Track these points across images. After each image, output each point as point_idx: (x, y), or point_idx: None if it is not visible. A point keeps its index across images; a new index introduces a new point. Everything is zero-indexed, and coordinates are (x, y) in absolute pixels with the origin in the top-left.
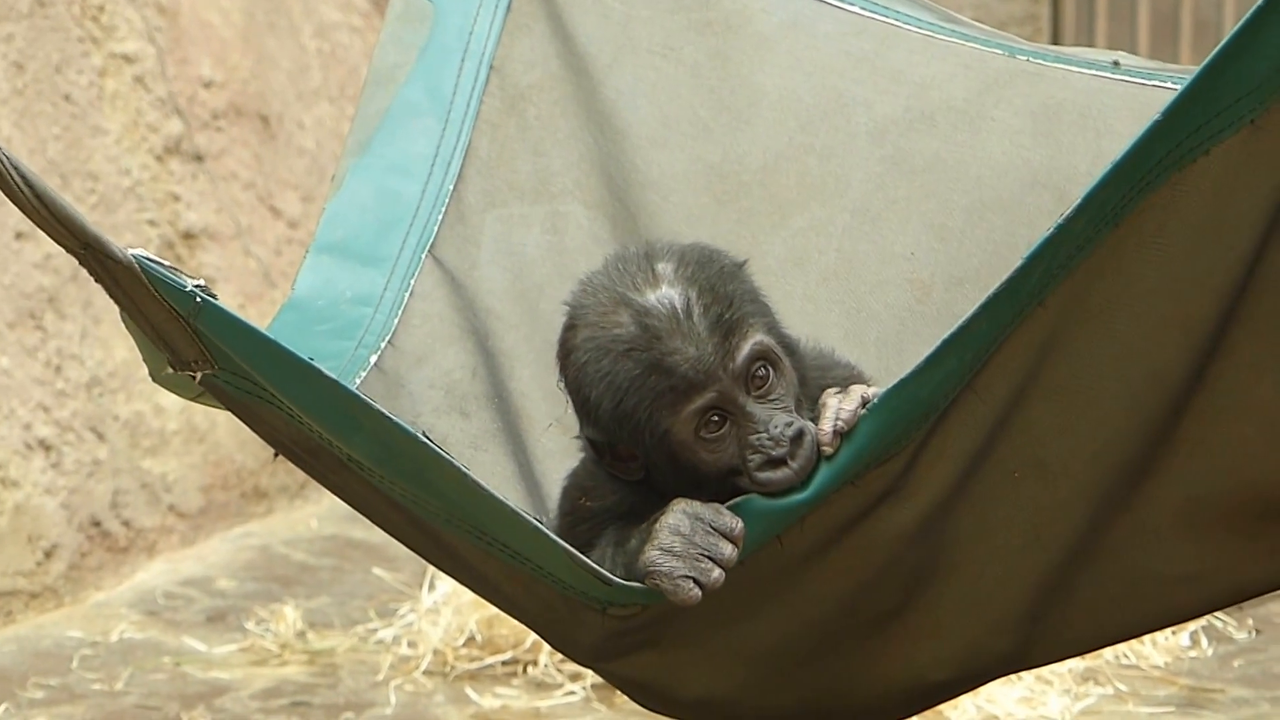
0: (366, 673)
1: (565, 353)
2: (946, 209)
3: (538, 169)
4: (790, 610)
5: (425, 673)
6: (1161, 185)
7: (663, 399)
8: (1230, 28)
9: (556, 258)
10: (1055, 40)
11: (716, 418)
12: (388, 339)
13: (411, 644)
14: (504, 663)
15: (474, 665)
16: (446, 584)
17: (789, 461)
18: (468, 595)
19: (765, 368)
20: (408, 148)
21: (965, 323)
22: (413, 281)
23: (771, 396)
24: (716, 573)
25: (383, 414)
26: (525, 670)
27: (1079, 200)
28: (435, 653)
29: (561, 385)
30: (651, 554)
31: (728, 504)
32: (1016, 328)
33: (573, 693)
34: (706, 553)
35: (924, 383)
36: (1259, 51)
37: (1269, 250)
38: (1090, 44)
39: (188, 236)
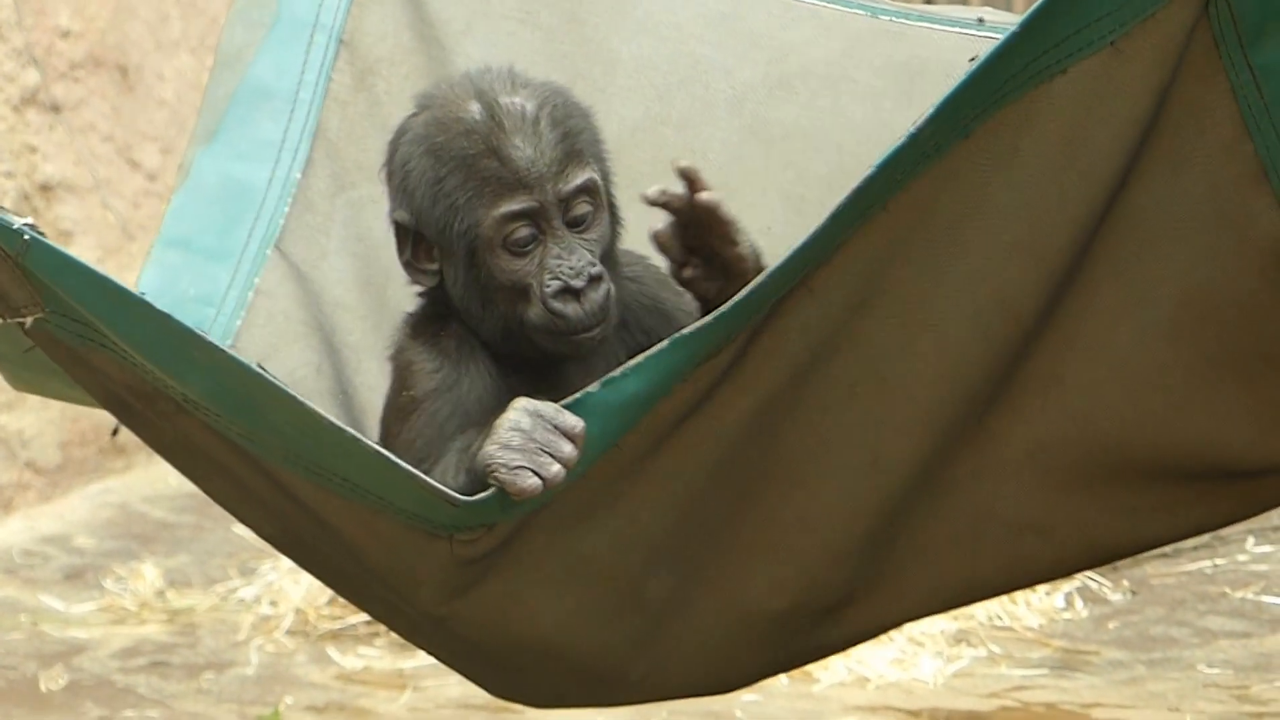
0: (227, 632)
1: (401, 132)
2: (805, 179)
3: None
4: (626, 520)
5: (287, 632)
6: (1018, 99)
7: (486, 187)
8: None
9: None
10: None
11: (527, 230)
12: (230, 341)
13: (273, 603)
14: (366, 622)
15: (336, 625)
16: None
17: (581, 299)
18: None
19: (589, 205)
20: (255, 133)
21: (813, 232)
22: (257, 279)
23: (586, 235)
24: (556, 467)
25: (217, 348)
26: (387, 630)
27: (932, 108)
28: (297, 612)
29: (384, 171)
30: (489, 448)
31: (566, 402)
32: (857, 230)
33: None
34: (546, 448)
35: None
36: None
37: (1130, 189)
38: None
39: (45, 189)
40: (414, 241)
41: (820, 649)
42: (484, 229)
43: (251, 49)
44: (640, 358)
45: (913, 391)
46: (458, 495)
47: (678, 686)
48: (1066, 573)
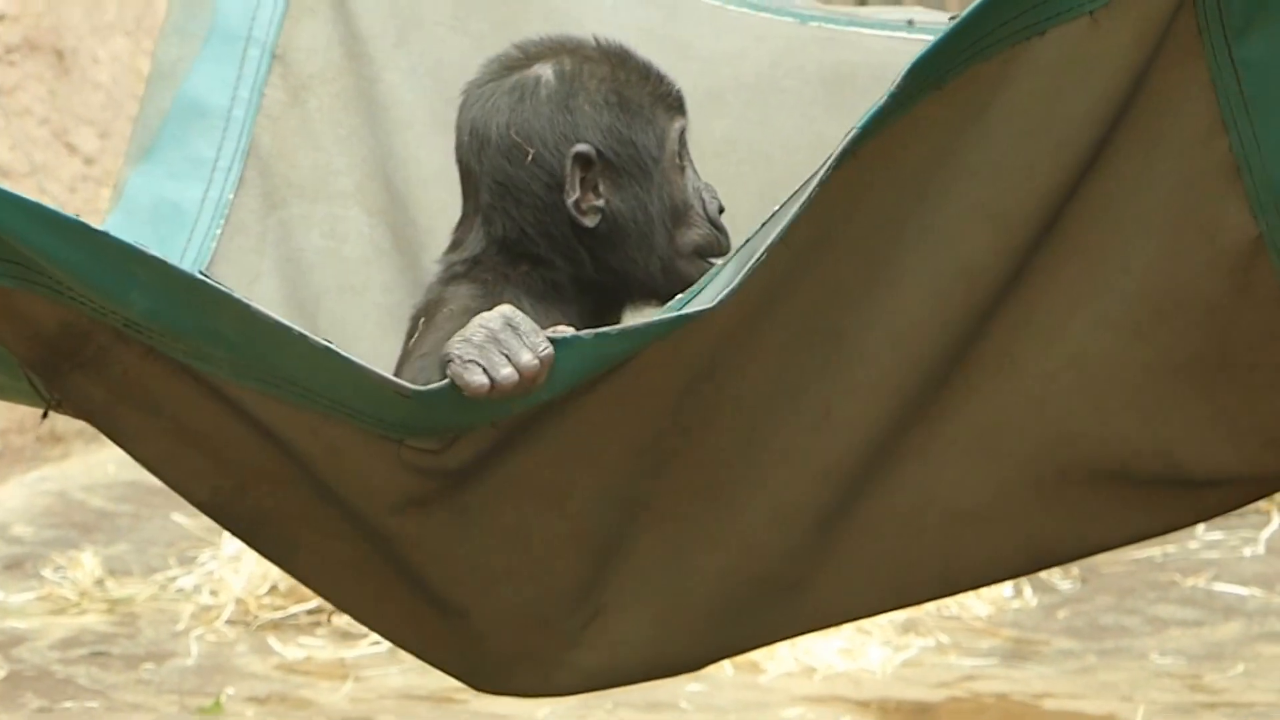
0: (167, 622)
1: (533, 81)
2: (736, 194)
3: (318, 165)
4: (585, 464)
5: (227, 622)
6: (992, 57)
7: (662, 103)
8: None
9: (336, 266)
10: None
11: (682, 149)
12: None
13: (213, 592)
14: (308, 612)
15: (277, 614)
16: None
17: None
18: None
19: None
20: (189, 152)
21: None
22: None
23: None
24: (507, 370)
25: (157, 258)
26: (329, 620)
27: (908, 66)
28: (237, 602)
29: (522, 135)
30: (452, 340)
31: (552, 335)
32: (829, 180)
33: (378, 643)
34: (505, 351)
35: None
36: None
37: (1101, 170)
38: None
39: None
40: (582, 179)
41: (767, 634)
42: (670, 140)
43: (186, 63)
44: (639, 323)
45: (866, 350)
46: (409, 385)
47: (624, 672)
48: (1004, 574)
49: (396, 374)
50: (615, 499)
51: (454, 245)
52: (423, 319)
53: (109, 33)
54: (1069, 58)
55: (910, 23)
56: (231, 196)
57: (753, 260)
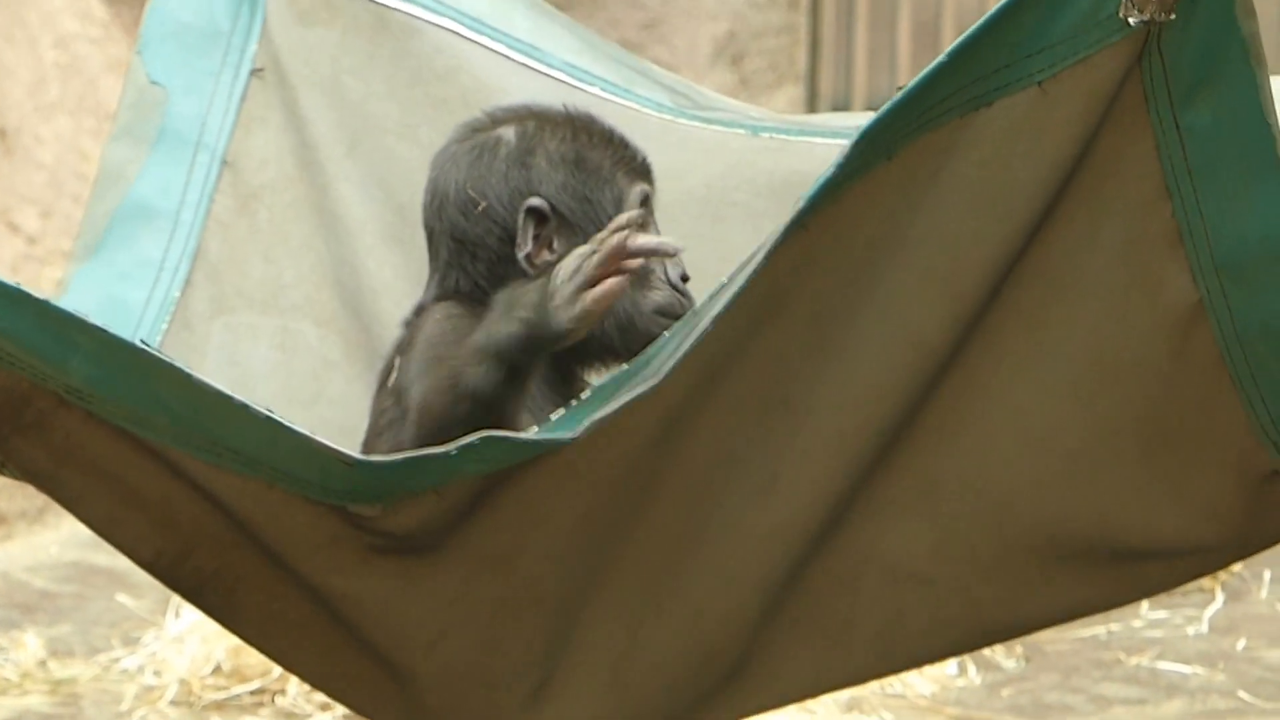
0: (110, 702)
1: (494, 141)
2: None
3: (268, 278)
4: (529, 531)
5: (171, 703)
6: (942, 126)
7: (623, 166)
8: None
9: (284, 379)
10: (814, 50)
11: (645, 214)
12: None
13: (156, 673)
14: (251, 692)
15: (221, 695)
16: (193, 612)
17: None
18: (215, 624)
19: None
20: (136, 252)
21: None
22: None
23: None
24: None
25: (99, 328)
26: (273, 700)
27: (856, 136)
28: (181, 682)
29: (492, 170)
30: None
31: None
32: (778, 249)
33: None
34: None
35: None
36: (1061, 6)
37: (1046, 235)
38: (849, 54)
39: None
40: (535, 234)
41: (713, 714)
42: (628, 202)
43: (134, 165)
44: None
45: (814, 418)
46: (351, 453)
47: None
48: (944, 647)
49: (392, 397)
50: (563, 566)
51: (414, 309)
52: (398, 355)
53: (51, 112)
54: (1018, 127)
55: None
56: (178, 295)
57: (699, 331)
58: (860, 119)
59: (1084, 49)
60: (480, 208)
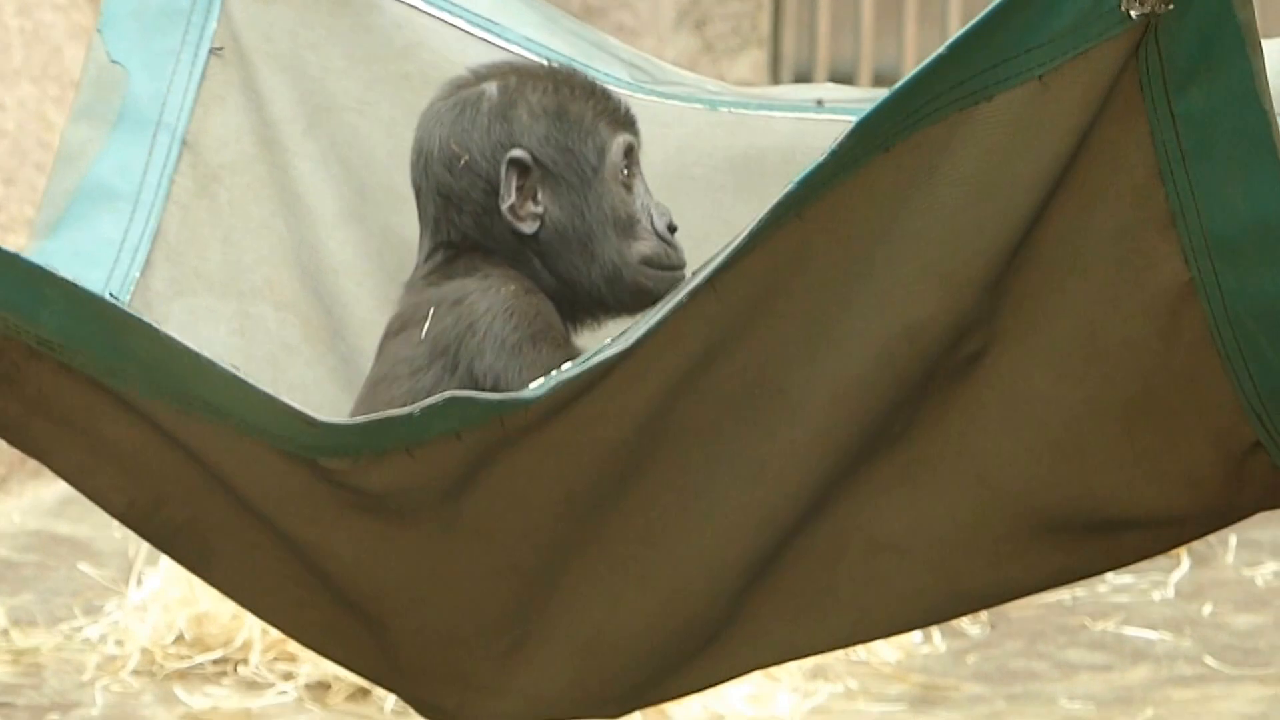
0: (72, 672)
1: (477, 97)
2: None
3: (228, 260)
4: (504, 500)
5: (133, 672)
6: (940, 121)
7: (605, 116)
8: (958, 19)
9: (242, 364)
10: (777, 15)
11: (634, 166)
12: None
13: (118, 642)
14: (214, 661)
15: (183, 664)
16: (155, 581)
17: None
18: (176, 592)
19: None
20: (96, 232)
21: (729, 247)
22: None
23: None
24: None
25: (67, 281)
26: (236, 669)
27: (852, 127)
28: (143, 651)
29: (475, 124)
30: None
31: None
32: (769, 236)
33: (285, 693)
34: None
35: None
36: (1062, 1)
37: (1040, 224)
38: (813, 18)
39: None
40: (518, 185)
41: (688, 684)
42: (611, 152)
43: (95, 144)
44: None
45: (807, 408)
46: (315, 416)
47: (541, 707)
48: (920, 615)
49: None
50: (545, 537)
51: (414, 269)
52: (433, 307)
53: (15, 79)
54: (1017, 121)
55: (819, 102)
56: (138, 275)
57: (673, 303)
58: (820, 90)
59: (1085, 42)
60: (463, 161)
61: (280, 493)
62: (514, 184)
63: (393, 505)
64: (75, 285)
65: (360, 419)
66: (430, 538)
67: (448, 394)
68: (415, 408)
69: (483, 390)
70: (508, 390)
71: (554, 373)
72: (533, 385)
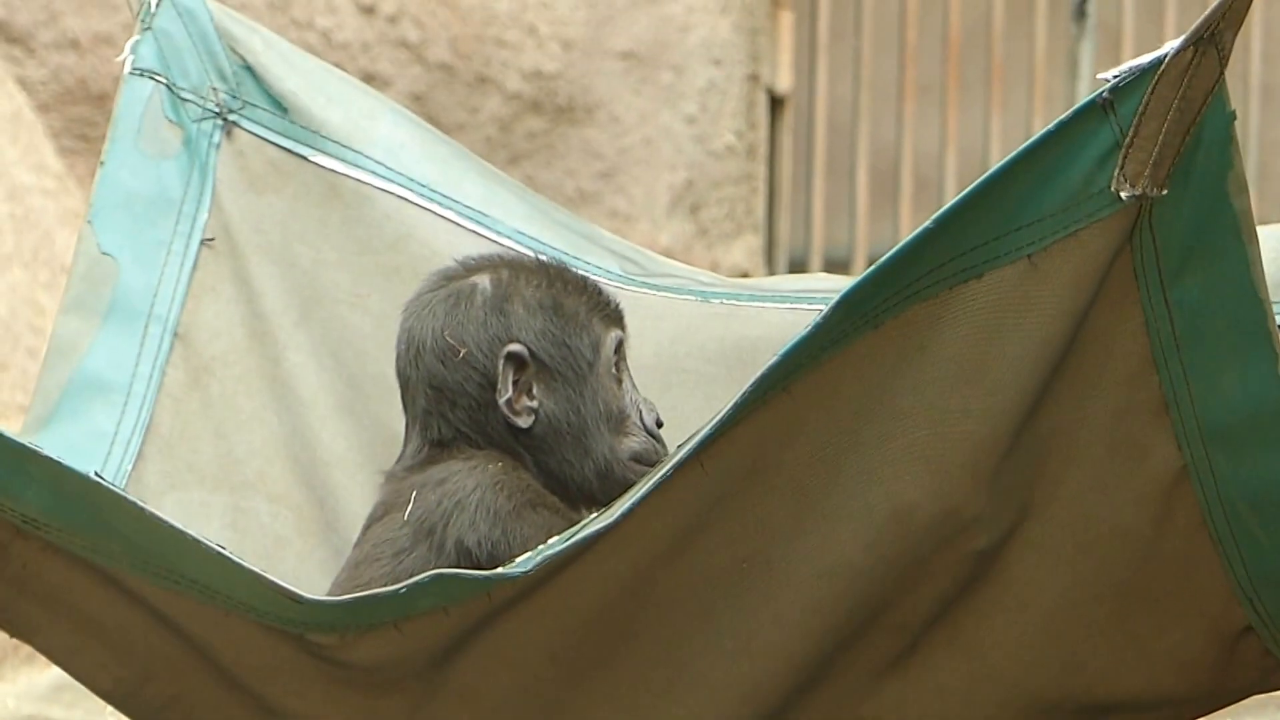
0: None
1: (470, 290)
2: None
3: (220, 453)
4: (488, 667)
5: None
6: (931, 298)
7: (599, 312)
8: (953, 188)
9: None
10: (772, 199)
11: (619, 360)
12: None
13: None
14: None
15: None
16: None
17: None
18: None
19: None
20: (88, 425)
21: (713, 421)
22: None
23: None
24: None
25: (51, 459)
26: None
27: (837, 299)
28: None
29: (471, 318)
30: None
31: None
32: (755, 410)
33: None
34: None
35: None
36: (1052, 178)
37: (1035, 408)
38: (808, 203)
39: None
40: (515, 380)
41: None
42: (605, 348)
43: (86, 338)
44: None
45: (795, 583)
46: (301, 593)
47: None
48: None
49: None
50: (531, 702)
51: (396, 460)
52: (415, 491)
53: (6, 264)
54: (1007, 300)
55: (811, 292)
56: (130, 468)
57: (657, 477)
58: (815, 282)
59: (1075, 223)
60: (460, 355)
61: (268, 667)
62: (511, 378)
63: (379, 677)
64: (60, 463)
65: (347, 597)
66: (416, 705)
67: (434, 572)
68: (402, 586)
69: (478, 562)
70: (506, 558)
71: (541, 547)
72: (519, 560)
